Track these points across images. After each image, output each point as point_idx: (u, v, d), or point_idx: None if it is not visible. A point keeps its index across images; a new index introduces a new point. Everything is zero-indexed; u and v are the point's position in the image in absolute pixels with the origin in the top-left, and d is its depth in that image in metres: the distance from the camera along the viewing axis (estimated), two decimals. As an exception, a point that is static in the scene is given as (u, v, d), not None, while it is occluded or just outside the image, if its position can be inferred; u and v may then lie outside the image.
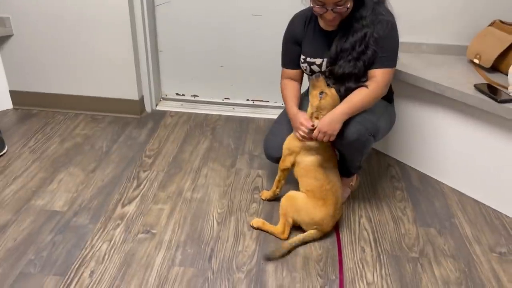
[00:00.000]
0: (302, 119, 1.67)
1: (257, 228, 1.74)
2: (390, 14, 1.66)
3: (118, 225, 1.74)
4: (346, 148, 1.71)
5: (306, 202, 1.67)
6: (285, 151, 1.76)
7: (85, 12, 2.32)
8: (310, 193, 1.69)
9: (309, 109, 1.68)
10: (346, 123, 1.63)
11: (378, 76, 1.64)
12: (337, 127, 1.60)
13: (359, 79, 1.67)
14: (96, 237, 1.68)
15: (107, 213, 1.80)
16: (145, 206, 1.85)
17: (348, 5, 1.56)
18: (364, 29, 1.61)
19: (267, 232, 1.73)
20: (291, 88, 1.84)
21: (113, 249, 1.62)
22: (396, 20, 1.69)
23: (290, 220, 1.70)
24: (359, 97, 1.62)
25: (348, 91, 1.66)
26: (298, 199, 1.69)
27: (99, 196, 1.90)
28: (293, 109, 1.76)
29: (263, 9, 2.43)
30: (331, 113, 1.61)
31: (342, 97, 1.66)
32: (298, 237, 1.67)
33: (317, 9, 1.58)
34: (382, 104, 1.76)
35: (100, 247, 1.63)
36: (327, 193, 1.66)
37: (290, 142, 1.75)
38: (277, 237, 1.70)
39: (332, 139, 1.63)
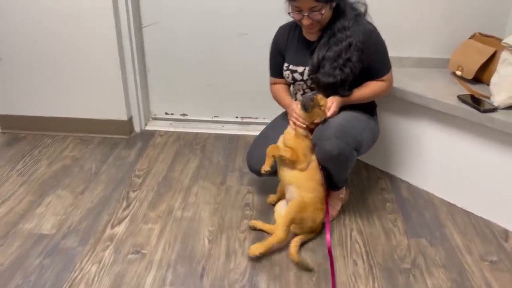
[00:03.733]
0: (297, 110, 1.73)
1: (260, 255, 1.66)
2: (371, 24, 1.72)
3: (108, 246, 1.72)
4: (330, 163, 1.72)
5: (312, 209, 1.70)
6: (302, 156, 1.72)
7: (72, 34, 2.34)
8: (311, 197, 1.71)
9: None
10: (326, 139, 1.64)
11: (386, 80, 1.78)
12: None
13: (345, 86, 1.71)
14: (85, 259, 1.65)
15: (96, 234, 1.78)
16: (135, 226, 1.84)
17: (323, 12, 1.61)
18: (348, 39, 1.66)
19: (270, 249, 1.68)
20: (282, 87, 1.92)
21: (102, 271, 1.60)
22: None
23: (290, 227, 1.70)
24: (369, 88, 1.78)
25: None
26: (308, 206, 1.69)
27: (88, 218, 1.88)
28: (288, 100, 1.86)
29: (249, 28, 2.47)
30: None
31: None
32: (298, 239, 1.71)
33: (295, 15, 1.65)
34: (364, 118, 1.79)
35: (89, 269, 1.61)
36: (323, 195, 1.73)
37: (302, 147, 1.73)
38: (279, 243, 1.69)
39: None
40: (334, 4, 1.66)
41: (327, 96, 1.73)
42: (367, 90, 1.78)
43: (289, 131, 1.76)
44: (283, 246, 1.72)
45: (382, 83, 1.78)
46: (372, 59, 1.71)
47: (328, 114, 1.68)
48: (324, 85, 1.71)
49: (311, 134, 1.72)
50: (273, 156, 1.69)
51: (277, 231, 1.67)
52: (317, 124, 1.71)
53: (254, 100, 2.65)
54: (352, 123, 1.71)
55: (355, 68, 1.68)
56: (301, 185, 1.72)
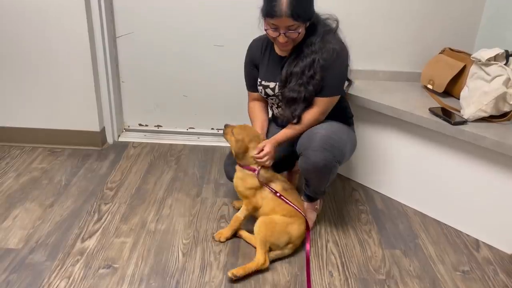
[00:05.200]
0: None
1: (238, 277, 1.58)
2: (339, 43, 1.71)
3: (78, 261, 1.66)
4: (313, 174, 1.73)
5: (283, 224, 1.68)
6: (247, 192, 1.73)
7: (44, 43, 2.28)
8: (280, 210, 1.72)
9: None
10: (313, 150, 1.65)
11: (318, 104, 1.73)
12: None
13: (308, 103, 1.72)
14: (54, 275, 1.59)
15: (65, 248, 1.72)
16: (107, 240, 1.78)
17: (300, 30, 1.62)
18: (312, 54, 1.67)
19: (249, 273, 1.61)
20: (257, 111, 1.92)
21: (72, 286, 1.54)
22: (352, 49, 1.75)
23: (268, 246, 1.66)
24: (291, 130, 1.76)
25: (297, 114, 1.73)
26: (278, 223, 1.67)
27: (57, 231, 1.82)
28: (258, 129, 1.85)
29: (224, 39, 2.47)
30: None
31: (291, 119, 1.74)
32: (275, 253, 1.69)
33: (270, 32, 1.64)
34: (345, 129, 1.81)
35: (58, 285, 1.54)
36: (296, 212, 1.72)
37: (248, 182, 1.73)
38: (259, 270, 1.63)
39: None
40: (308, 23, 1.66)
41: (290, 108, 1.74)
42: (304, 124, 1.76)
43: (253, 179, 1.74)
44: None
45: (314, 112, 1.74)
46: (323, 76, 1.69)
47: (262, 155, 1.69)
48: (288, 100, 1.72)
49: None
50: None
51: (256, 256, 1.64)
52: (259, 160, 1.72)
53: (230, 112, 2.64)
54: (338, 135, 1.72)
55: (317, 86, 1.69)
56: (276, 211, 1.73)
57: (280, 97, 1.79)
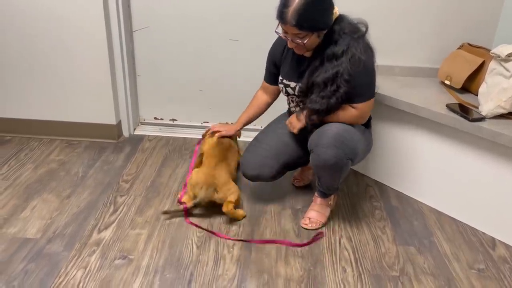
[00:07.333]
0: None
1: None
2: (366, 50, 1.64)
3: (94, 251, 1.69)
4: (324, 171, 1.73)
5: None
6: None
7: (62, 37, 2.31)
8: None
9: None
10: (324, 147, 1.65)
11: (358, 108, 1.71)
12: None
13: (330, 113, 1.70)
14: (71, 264, 1.62)
15: (82, 239, 1.75)
16: (122, 231, 1.81)
17: (306, 41, 1.59)
18: (336, 67, 1.62)
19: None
20: (255, 104, 2.00)
21: (88, 276, 1.57)
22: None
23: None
24: (339, 116, 1.73)
25: (316, 125, 1.72)
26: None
27: (74, 222, 1.85)
28: (241, 117, 2.04)
29: (240, 34, 2.47)
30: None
31: (309, 128, 1.75)
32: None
33: (281, 35, 1.64)
34: (360, 129, 1.79)
35: (74, 275, 1.57)
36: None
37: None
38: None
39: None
40: (323, 32, 1.62)
41: (310, 118, 1.73)
42: (337, 117, 1.72)
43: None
44: (272, 256, 1.70)
45: (352, 111, 1.71)
46: (353, 86, 1.65)
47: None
48: (309, 111, 1.71)
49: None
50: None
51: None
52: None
53: (244, 106, 2.63)
54: (350, 133, 1.70)
55: (342, 98, 1.65)
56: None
57: (298, 99, 1.80)
